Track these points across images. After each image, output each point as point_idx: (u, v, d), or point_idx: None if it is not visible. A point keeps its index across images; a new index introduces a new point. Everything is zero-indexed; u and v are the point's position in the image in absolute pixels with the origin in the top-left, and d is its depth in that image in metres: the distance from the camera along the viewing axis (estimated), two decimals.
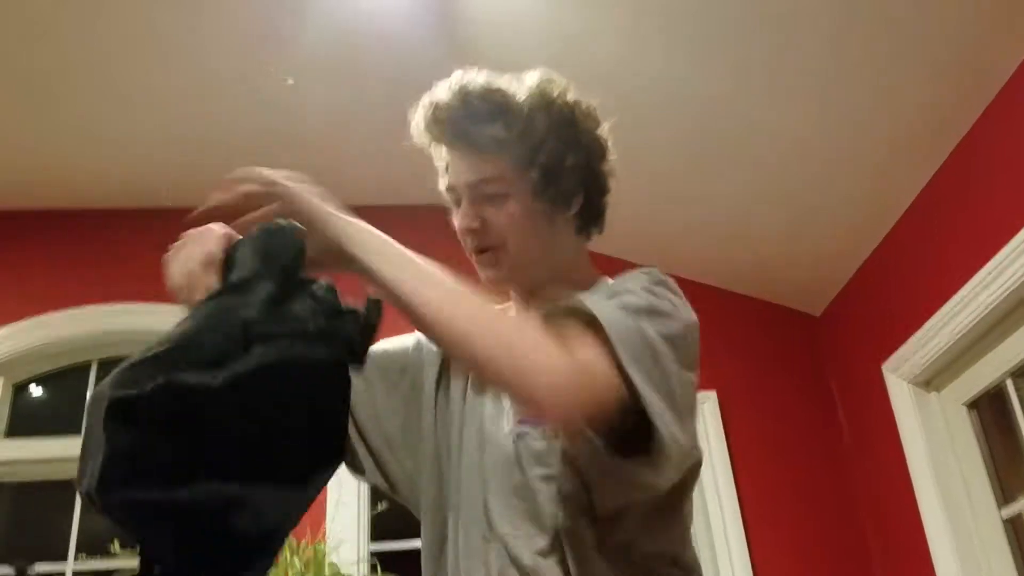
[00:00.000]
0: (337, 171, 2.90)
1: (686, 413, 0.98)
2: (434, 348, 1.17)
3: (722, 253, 3.20)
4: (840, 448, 3.12)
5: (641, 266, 1.13)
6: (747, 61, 2.42)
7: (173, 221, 3.83)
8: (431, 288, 0.89)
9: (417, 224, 3.28)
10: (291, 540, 2.66)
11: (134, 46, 2.60)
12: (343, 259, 0.92)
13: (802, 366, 3.26)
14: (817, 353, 3.29)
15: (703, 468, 3.16)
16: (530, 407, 0.90)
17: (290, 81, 2.62)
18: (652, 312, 0.98)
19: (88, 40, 2.58)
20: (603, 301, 0.97)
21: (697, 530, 3.03)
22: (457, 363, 0.97)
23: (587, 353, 0.89)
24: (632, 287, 1.03)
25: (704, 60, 2.45)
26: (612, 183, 1.22)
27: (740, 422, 3.10)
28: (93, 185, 3.22)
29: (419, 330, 0.93)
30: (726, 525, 2.90)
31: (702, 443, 3.32)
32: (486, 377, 0.92)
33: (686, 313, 1.06)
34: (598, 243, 3.33)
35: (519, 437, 1.04)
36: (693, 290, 3.78)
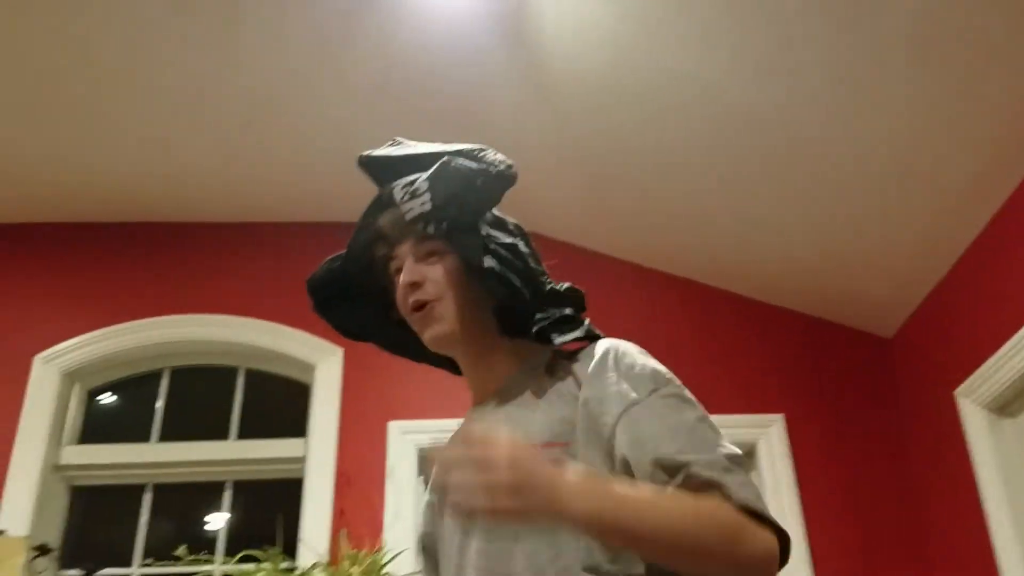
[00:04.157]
0: None
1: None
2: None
3: (792, 274, 3.15)
4: (911, 475, 3.03)
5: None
6: (820, 77, 2.38)
7: (242, 236, 3.96)
8: (643, 523, 0.93)
9: None
10: (349, 550, 2.68)
11: (204, 66, 2.68)
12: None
13: (873, 390, 3.18)
14: (888, 377, 3.21)
15: (767, 493, 3.10)
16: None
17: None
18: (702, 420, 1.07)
19: (154, 61, 2.66)
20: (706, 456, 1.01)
21: None
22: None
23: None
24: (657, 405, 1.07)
25: (769, 74, 2.43)
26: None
27: (808, 446, 3.04)
28: (168, 200, 3.32)
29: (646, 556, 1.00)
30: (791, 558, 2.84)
31: (768, 466, 3.25)
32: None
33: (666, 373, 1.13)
34: (669, 265, 3.22)
35: None
36: (761, 311, 3.77)
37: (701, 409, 1.08)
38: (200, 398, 3.27)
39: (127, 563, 2.95)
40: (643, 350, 1.15)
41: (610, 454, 1.04)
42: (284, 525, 2.75)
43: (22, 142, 2.99)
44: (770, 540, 0.97)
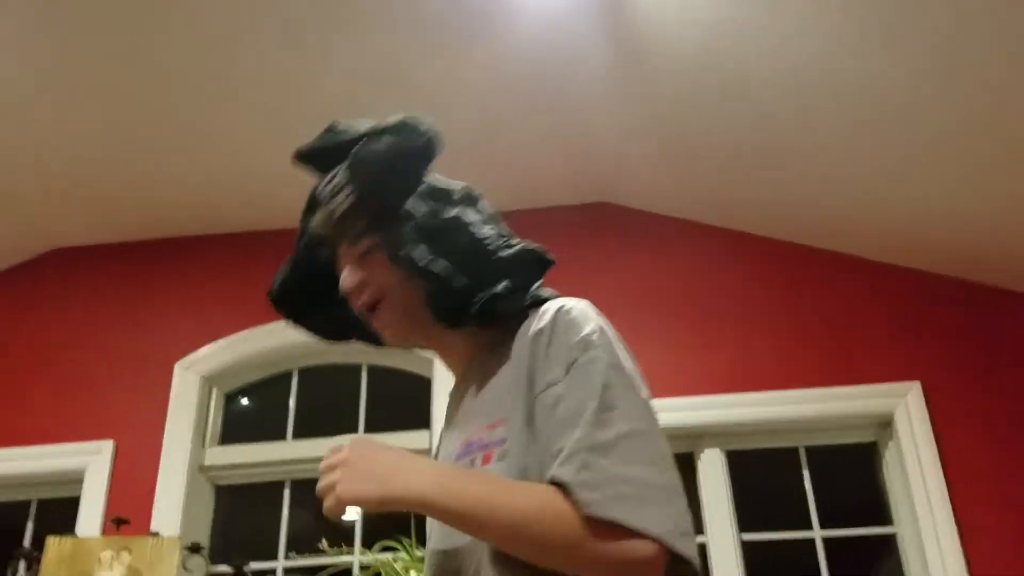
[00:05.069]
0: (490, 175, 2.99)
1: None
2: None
3: (931, 235, 2.99)
4: None
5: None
6: (953, 55, 2.26)
7: None
8: (475, 511, 0.92)
9: (572, 222, 3.31)
10: None
11: (314, 77, 2.75)
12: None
13: (1019, 353, 2.99)
14: None
15: (908, 466, 2.94)
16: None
17: None
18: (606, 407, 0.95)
19: (271, 72, 2.75)
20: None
21: (905, 535, 2.85)
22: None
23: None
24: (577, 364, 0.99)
25: (885, 51, 2.31)
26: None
27: (950, 415, 2.88)
28: (291, 210, 3.42)
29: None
30: (938, 530, 2.71)
31: (907, 439, 3.09)
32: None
33: (609, 345, 1.01)
34: (812, 238, 3.08)
35: (456, 460, 1.07)
36: (896, 275, 3.59)
37: (621, 374, 0.97)
38: (328, 395, 3.37)
39: (271, 557, 3.07)
40: (588, 308, 1.05)
41: (530, 426, 0.99)
42: (416, 515, 2.80)
43: (160, 166, 3.15)
44: (639, 547, 0.88)
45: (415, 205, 1.10)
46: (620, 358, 0.99)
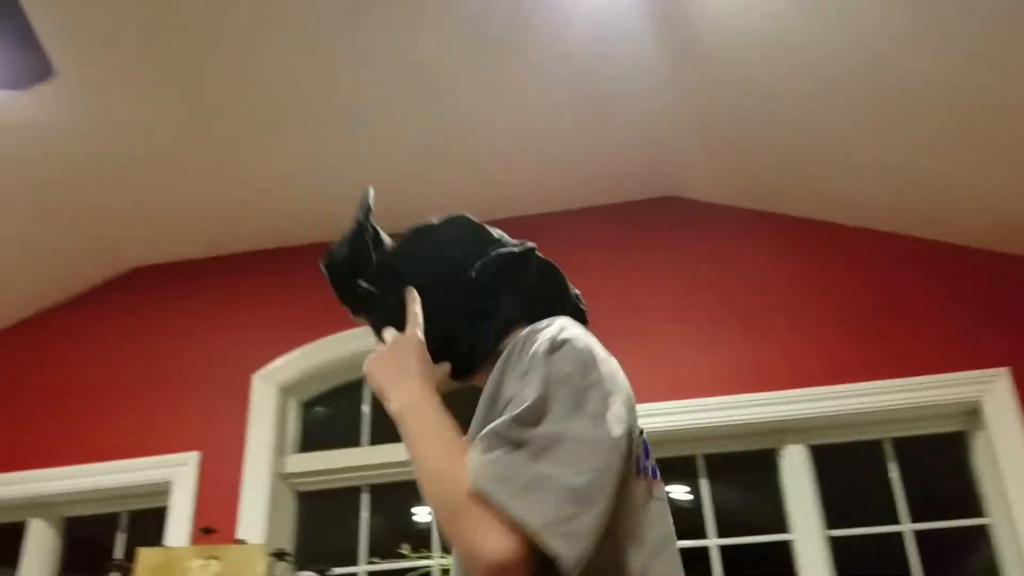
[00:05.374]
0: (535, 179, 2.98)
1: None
2: None
3: (1014, 217, 2.88)
4: None
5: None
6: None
7: None
8: (414, 449, 1.01)
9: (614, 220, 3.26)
10: None
11: (390, 91, 2.78)
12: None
13: None
14: None
15: (999, 455, 2.85)
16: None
17: None
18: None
19: (355, 93, 2.78)
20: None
21: (999, 526, 2.75)
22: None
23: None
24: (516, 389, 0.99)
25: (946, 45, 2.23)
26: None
27: None
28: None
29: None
30: None
31: (998, 428, 2.98)
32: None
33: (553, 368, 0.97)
34: (884, 223, 2.98)
35: None
36: (982, 259, 3.46)
37: (566, 386, 0.95)
38: None
39: (351, 562, 3.11)
40: (558, 324, 1.04)
41: None
42: None
43: (229, 182, 3.22)
44: (493, 540, 0.85)
45: (377, 283, 1.24)
46: (570, 371, 0.96)
